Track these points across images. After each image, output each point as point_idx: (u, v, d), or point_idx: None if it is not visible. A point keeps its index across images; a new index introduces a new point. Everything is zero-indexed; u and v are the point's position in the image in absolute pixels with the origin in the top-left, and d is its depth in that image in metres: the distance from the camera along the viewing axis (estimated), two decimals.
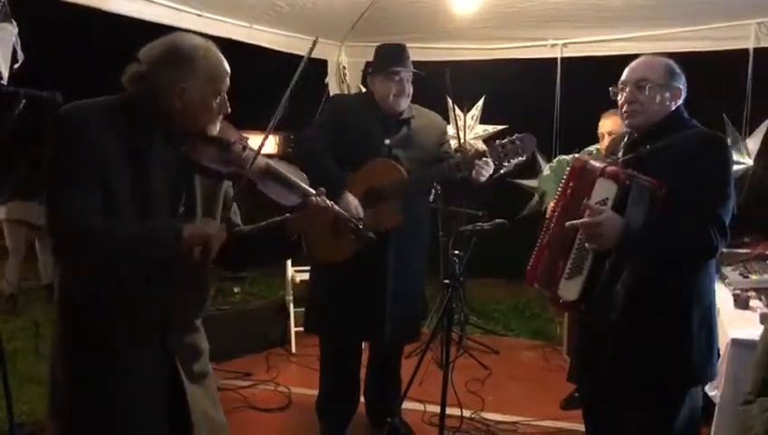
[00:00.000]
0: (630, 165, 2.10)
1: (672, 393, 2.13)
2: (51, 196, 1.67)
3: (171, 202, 1.79)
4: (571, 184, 2.17)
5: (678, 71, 2.18)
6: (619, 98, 2.21)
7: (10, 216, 5.57)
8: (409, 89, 3.02)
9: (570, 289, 2.07)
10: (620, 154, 2.23)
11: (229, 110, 1.85)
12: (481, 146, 5.71)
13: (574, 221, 2.03)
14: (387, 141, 2.99)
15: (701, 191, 2.01)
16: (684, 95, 2.18)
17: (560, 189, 2.22)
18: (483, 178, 2.85)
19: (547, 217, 2.26)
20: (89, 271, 1.73)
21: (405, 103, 3.02)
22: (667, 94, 2.14)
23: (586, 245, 2.02)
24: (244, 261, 2.09)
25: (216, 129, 1.83)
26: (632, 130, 2.21)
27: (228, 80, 1.83)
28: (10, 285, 5.53)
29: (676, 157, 2.04)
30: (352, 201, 2.87)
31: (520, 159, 2.89)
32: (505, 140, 2.88)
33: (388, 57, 3.03)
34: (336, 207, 1.92)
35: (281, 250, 2.02)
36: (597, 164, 2.12)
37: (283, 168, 1.94)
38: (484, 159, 2.84)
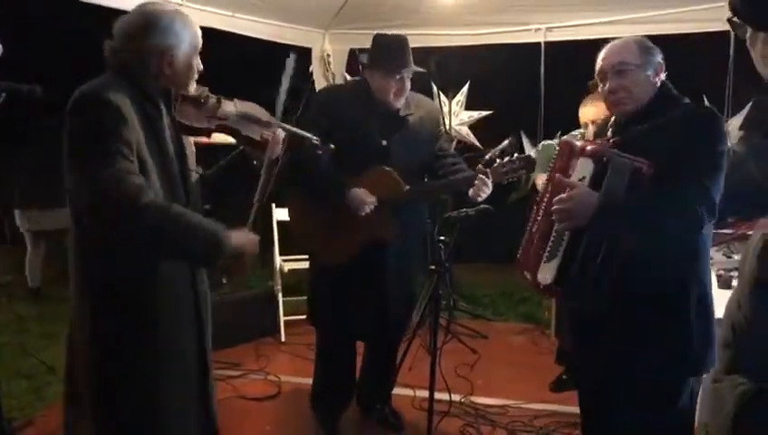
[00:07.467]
0: (619, 145, 1.99)
1: (670, 385, 2.05)
2: (90, 167, 1.67)
3: (179, 163, 1.90)
4: (556, 166, 2.08)
5: (651, 44, 2.09)
6: (600, 88, 2.11)
7: (22, 225, 5.43)
8: (408, 85, 2.89)
9: (547, 272, 2.01)
10: (609, 134, 2.14)
11: (202, 67, 1.97)
12: (465, 130, 5.73)
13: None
14: (384, 143, 2.86)
15: (689, 161, 1.89)
16: (664, 69, 2.08)
17: (549, 173, 2.14)
18: (481, 197, 2.82)
19: (537, 198, 2.22)
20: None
21: (402, 101, 2.89)
22: (650, 72, 2.05)
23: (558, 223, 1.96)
24: (214, 197, 2.15)
25: (193, 88, 1.98)
26: (623, 117, 2.11)
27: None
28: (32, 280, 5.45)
29: (668, 135, 1.94)
30: (363, 196, 2.80)
31: (522, 173, 2.91)
32: (506, 160, 2.87)
33: (392, 54, 2.82)
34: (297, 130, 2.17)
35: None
36: (580, 144, 2.06)
37: (248, 107, 2.09)
38: (482, 177, 2.80)
